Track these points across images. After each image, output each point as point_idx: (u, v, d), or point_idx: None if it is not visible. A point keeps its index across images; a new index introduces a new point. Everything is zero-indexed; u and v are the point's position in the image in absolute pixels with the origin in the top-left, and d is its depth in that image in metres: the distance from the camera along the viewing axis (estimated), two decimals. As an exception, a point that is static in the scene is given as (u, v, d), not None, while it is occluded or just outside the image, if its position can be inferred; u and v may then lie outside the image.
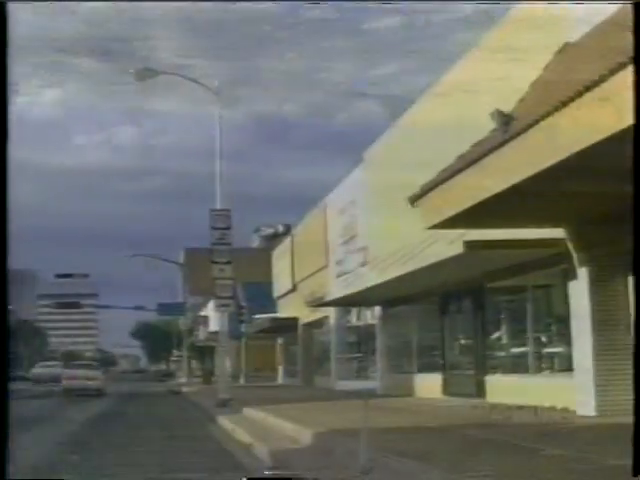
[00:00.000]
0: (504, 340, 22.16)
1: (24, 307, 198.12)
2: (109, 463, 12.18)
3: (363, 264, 31.40)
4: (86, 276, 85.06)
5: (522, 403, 17.08)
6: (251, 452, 13.40)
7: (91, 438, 16.80)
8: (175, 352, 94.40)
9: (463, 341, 24.68)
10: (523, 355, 20.47)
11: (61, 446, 14.77)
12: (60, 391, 42.55)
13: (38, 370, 73.63)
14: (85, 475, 9.88)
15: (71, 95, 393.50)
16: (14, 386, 62.23)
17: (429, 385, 25.28)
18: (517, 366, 20.79)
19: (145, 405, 33.19)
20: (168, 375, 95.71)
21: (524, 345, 20.49)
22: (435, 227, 15.48)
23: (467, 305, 24.14)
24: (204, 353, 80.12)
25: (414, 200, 15.02)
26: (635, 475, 5.98)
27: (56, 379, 47.72)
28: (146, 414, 26.57)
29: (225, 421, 19.48)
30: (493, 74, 19.45)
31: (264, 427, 16.94)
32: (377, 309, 31.70)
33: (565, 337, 17.60)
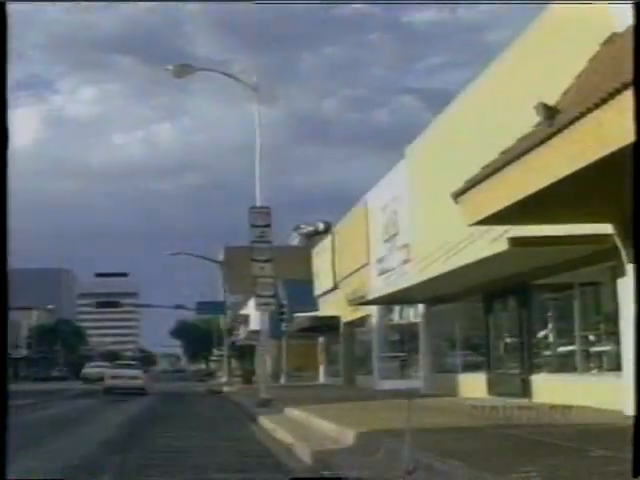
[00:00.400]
0: (550, 339, 21.99)
1: (64, 306, 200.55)
2: (150, 463, 12.29)
3: (405, 262, 31.35)
4: (126, 275, 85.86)
5: (569, 403, 16.95)
6: (293, 452, 13.45)
7: (132, 438, 16.97)
8: (215, 351, 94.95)
9: (508, 340, 24.52)
10: (570, 354, 20.31)
11: (103, 446, 14.96)
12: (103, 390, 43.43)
13: (87, 370, 75.50)
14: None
15: (109, 93, 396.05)
16: (61, 386, 63.04)
17: (473, 384, 25.17)
18: (564, 365, 20.63)
19: (186, 405, 33.44)
20: (208, 375, 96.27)
21: (571, 344, 20.33)
22: (478, 224, 15.38)
23: (512, 303, 23.99)
24: (244, 352, 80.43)
25: (457, 196, 14.95)
26: (635, 476, 5.99)
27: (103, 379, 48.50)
28: (187, 414, 26.77)
29: (266, 421, 19.56)
30: (536, 67, 19.35)
31: (305, 427, 16.98)
32: (420, 307, 31.61)
33: (614, 336, 17.42)
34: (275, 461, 12.75)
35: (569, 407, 16.21)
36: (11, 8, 5.48)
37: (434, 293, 27.93)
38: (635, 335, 6.35)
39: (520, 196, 12.38)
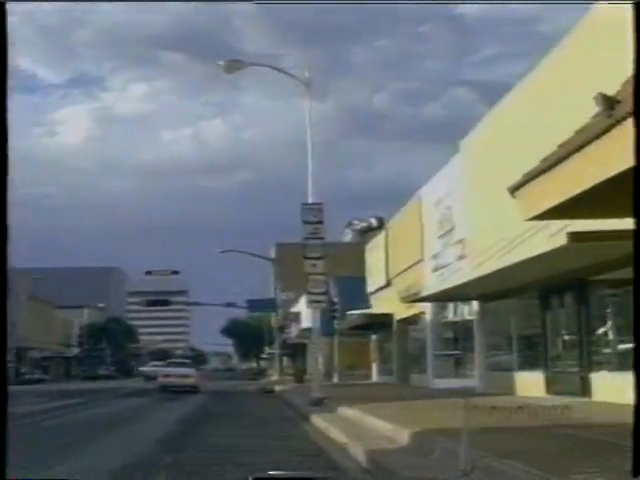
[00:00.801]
0: (610, 336, 21.74)
1: (114, 305, 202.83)
2: (203, 462, 12.40)
3: (460, 257, 31.20)
4: (176, 273, 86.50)
5: (630, 402, 16.72)
6: (346, 452, 13.47)
7: (185, 436, 17.12)
8: (266, 350, 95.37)
9: (566, 337, 24.29)
10: (631, 352, 20.02)
11: (156, 445, 15.12)
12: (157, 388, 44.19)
13: (145, 369, 77.06)
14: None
15: (160, 89, 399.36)
16: (110, 385, 63.79)
17: (530, 383, 24.98)
18: (624, 363, 20.37)
19: (237, 403, 33.64)
20: (259, 373, 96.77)
21: (631, 341, 20.03)
22: (535, 218, 15.24)
23: (569, 299, 23.75)
24: (296, 351, 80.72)
25: (514, 190, 14.82)
26: (635, 476, 6.01)
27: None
28: (239, 413, 26.92)
29: (319, 420, 19.60)
30: (594, 57, 19.11)
31: (359, 426, 16.99)
32: (475, 304, 31.44)
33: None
34: (329, 460, 12.78)
35: (630, 406, 15.99)
36: (11, 8, 5.55)
37: (489, 289, 27.76)
38: (635, 335, 6.34)
39: (579, 190, 12.24)
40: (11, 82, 5.54)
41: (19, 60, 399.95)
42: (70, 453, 13.69)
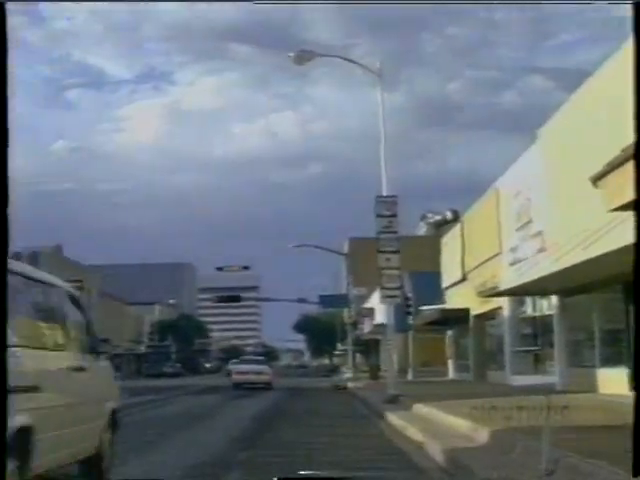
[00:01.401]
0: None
1: (185, 301, 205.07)
2: (278, 460, 12.47)
3: (539, 251, 30.82)
4: (247, 268, 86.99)
5: None
6: (423, 450, 13.43)
7: (259, 434, 17.25)
8: (339, 346, 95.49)
9: (652, 332, 23.79)
10: None
11: (230, 442, 15.25)
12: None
13: (231, 366, 78.30)
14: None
15: (229, 82, 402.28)
16: (177, 382, 64.57)
17: (613, 380, 24.56)
18: None
19: (311, 401, 33.77)
20: (332, 370, 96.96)
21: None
22: (619, 209, 15.00)
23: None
24: (369, 347, 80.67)
25: (596, 180, 14.62)
26: (635, 476, 6.02)
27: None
28: (312, 410, 27.02)
29: (394, 418, 19.57)
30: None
31: (435, 424, 16.93)
32: (554, 299, 31.05)
33: None
34: (405, 459, 12.76)
35: None
36: (11, 8, 5.62)
37: (570, 283, 27.38)
38: (635, 336, 6.27)
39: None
40: (12, 82, 5.59)
41: (87, 57, 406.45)
42: (147, 450, 13.90)
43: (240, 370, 48.65)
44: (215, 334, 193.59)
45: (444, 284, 51.27)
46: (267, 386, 45.48)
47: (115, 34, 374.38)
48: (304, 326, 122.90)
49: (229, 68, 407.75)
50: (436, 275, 52.21)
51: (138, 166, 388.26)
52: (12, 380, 5.77)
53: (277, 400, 33.34)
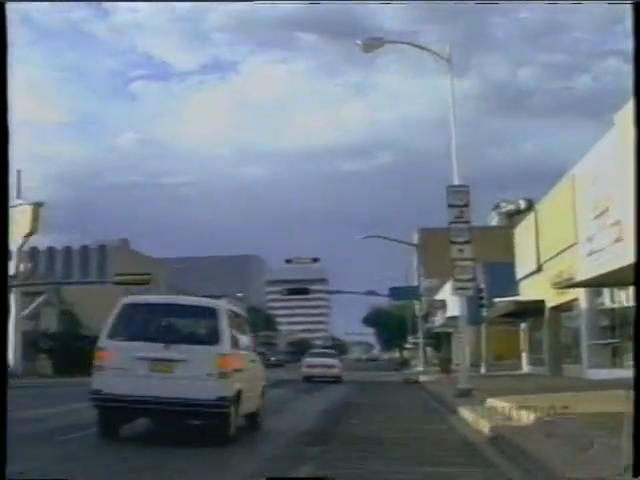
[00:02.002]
0: None
1: (254, 294, 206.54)
2: (349, 455, 12.49)
3: (617, 240, 30.33)
4: (316, 260, 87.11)
5: None
6: (497, 445, 13.34)
7: (330, 428, 17.30)
8: (409, 339, 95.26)
9: None
10: None
11: (301, 436, 15.31)
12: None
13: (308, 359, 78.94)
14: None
15: (295, 72, 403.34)
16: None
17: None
18: None
19: (381, 395, 33.77)
20: (403, 363, 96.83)
21: None
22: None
23: None
24: (441, 340, 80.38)
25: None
26: (635, 476, 6.27)
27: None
28: (383, 404, 27.03)
29: (467, 412, 19.46)
30: None
31: (510, 419, 16.78)
32: (633, 290, 30.53)
33: None
34: (479, 455, 12.69)
35: None
36: (11, 8, 5.66)
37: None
38: (635, 335, 6.20)
39: None
40: (12, 82, 5.63)
41: (152, 48, 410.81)
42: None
43: (310, 363, 48.97)
44: (283, 327, 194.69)
45: (518, 275, 50.76)
46: (337, 380, 45.71)
47: (179, 25, 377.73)
48: (374, 319, 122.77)
49: (295, 57, 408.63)
50: (510, 266, 51.70)
51: (205, 158, 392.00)
52: (231, 366, 13.60)
53: (347, 394, 33.40)
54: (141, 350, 13.49)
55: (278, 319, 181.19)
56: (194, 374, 13.23)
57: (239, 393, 14.03)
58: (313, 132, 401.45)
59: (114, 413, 13.81)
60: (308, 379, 45.45)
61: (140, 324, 14.40)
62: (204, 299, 17.05)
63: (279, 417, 19.81)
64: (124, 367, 13.39)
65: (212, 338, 13.85)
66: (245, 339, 16.17)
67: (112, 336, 13.83)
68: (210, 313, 14.36)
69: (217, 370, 13.31)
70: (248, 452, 12.91)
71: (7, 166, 5.60)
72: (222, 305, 15.24)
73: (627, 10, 6.59)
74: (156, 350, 13.42)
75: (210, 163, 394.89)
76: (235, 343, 14.60)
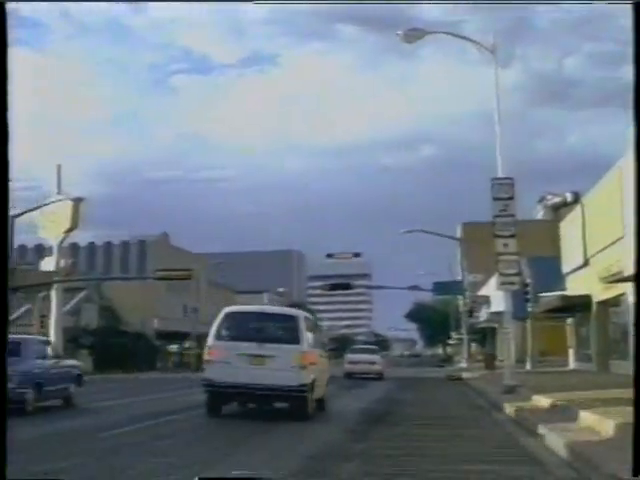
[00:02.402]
0: None
1: (295, 289, 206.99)
2: (393, 453, 12.45)
3: (666, 233, 29.99)
4: (358, 255, 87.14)
5: None
6: (544, 443, 13.23)
7: (374, 425, 17.29)
8: (453, 335, 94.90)
9: None
10: None
11: (346, 433, 15.32)
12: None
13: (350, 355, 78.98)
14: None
15: (335, 64, 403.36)
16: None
17: None
18: None
19: (424, 391, 33.71)
20: (446, 360, 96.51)
21: None
22: None
23: None
24: (485, 336, 79.93)
25: None
26: (635, 475, 6.18)
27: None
28: (426, 401, 27.00)
29: (512, 410, 19.34)
30: None
31: (557, 416, 16.63)
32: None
33: None
34: (525, 453, 12.59)
35: None
36: (11, 8, 5.66)
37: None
38: (635, 335, 6.16)
39: None
40: (11, 82, 5.64)
41: (191, 42, 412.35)
42: (260, 441, 14.04)
43: (352, 360, 48.95)
44: (325, 323, 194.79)
45: (564, 270, 50.34)
46: (379, 376, 45.58)
47: (219, 18, 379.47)
48: (417, 314, 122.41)
49: (335, 49, 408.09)
50: (556, 260, 51.29)
51: (245, 152, 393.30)
52: (308, 361, 18.25)
53: (389, 391, 33.35)
54: (241, 348, 17.98)
55: (319, 315, 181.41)
56: (281, 367, 17.78)
57: (314, 381, 18.57)
58: (353, 125, 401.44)
59: (220, 396, 18.44)
60: (350, 375, 45.40)
61: (239, 328, 18.76)
62: (286, 308, 25.40)
63: (322, 412, 19.79)
64: (228, 361, 17.89)
65: (294, 339, 18.19)
66: (317, 339, 21.40)
67: (218, 338, 18.42)
68: (292, 319, 18.99)
69: (298, 363, 17.85)
70: (288, 448, 12.97)
71: (7, 166, 5.61)
72: (300, 313, 20.36)
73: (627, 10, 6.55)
74: (252, 348, 17.91)
75: (250, 157, 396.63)
76: (311, 342, 19.21)
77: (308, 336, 18.84)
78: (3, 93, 5.59)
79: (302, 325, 18.54)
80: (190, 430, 16.23)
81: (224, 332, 18.42)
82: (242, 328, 18.66)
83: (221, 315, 18.87)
